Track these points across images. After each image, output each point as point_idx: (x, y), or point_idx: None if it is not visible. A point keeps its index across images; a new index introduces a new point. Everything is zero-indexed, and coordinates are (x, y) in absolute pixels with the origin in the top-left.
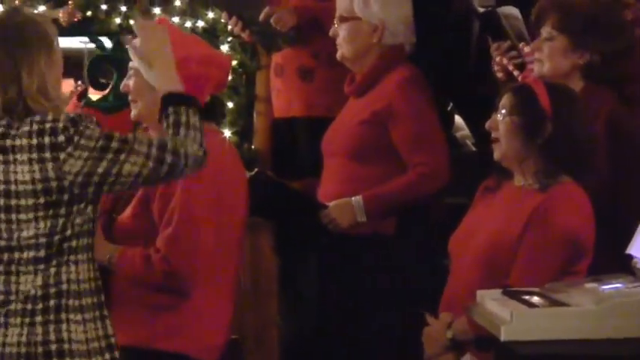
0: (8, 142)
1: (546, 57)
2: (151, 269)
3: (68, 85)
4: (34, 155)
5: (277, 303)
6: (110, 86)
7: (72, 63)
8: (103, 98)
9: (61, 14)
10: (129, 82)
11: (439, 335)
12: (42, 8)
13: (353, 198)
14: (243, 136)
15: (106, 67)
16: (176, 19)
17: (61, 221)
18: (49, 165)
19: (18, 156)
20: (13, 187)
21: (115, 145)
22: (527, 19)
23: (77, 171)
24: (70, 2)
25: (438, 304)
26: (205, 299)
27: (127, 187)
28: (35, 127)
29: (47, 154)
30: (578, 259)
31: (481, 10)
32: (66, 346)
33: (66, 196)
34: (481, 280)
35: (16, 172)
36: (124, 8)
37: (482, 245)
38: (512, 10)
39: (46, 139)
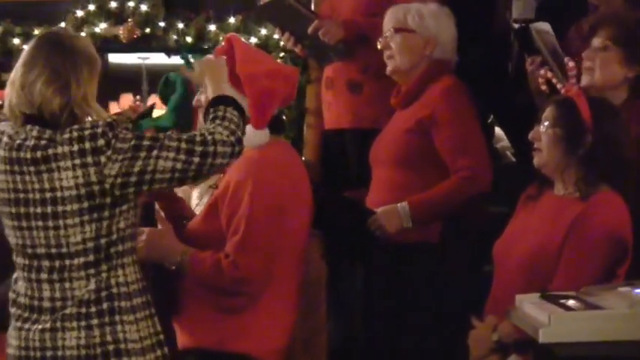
0: (51, 151)
1: (598, 66)
2: (220, 273)
3: (127, 100)
4: (77, 161)
5: (326, 309)
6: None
7: (131, 78)
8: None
9: (121, 31)
10: (201, 97)
11: (485, 338)
12: (103, 25)
13: (399, 204)
14: (293, 147)
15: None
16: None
17: (105, 224)
18: (92, 169)
19: (61, 163)
20: (58, 194)
21: (146, 143)
22: (559, 34)
23: (116, 173)
24: (129, 20)
25: (482, 309)
26: (271, 303)
27: (167, 184)
28: (75, 134)
29: (89, 159)
30: (618, 264)
31: (516, 26)
32: (122, 345)
33: (108, 199)
34: (524, 286)
35: (60, 179)
36: (180, 25)
37: (525, 252)
38: (544, 26)
39: (87, 145)
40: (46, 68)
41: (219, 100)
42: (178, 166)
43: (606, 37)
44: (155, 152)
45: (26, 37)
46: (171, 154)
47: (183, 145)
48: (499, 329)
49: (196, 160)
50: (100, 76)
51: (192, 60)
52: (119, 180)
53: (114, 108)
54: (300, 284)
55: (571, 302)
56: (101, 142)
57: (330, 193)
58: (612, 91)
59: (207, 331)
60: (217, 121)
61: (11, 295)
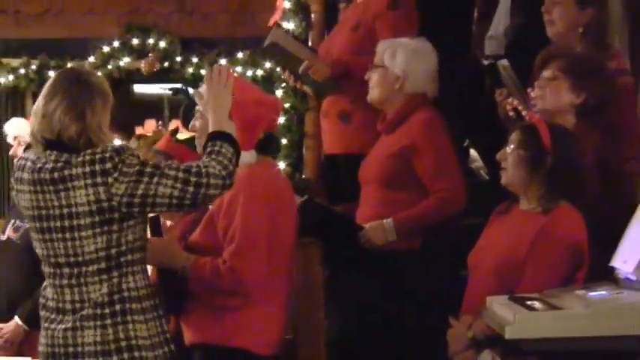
0: (66, 172)
1: (549, 94)
2: (218, 276)
3: (151, 125)
4: (89, 181)
5: (324, 308)
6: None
7: (153, 106)
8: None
9: (142, 65)
10: (195, 123)
11: (461, 335)
12: (127, 60)
13: (385, 220)
14: (295, 167)
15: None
16: (239, 69)
17: (115, 236)
18: (101, 188)
19: (75, 183)
20: (74, 210)
21: (149, 169)
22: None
23: (122, 192)
24: (150, 55)
25: (459, 309)
26: (264, 303)
27: (167, 208)
28: (87, 157)
29: (99, 179)
30: (575, 270)
31: (485, 62)
32: (133, 342)
33: (116, 214)
34: (494, 289)
35: (75, 197)
36: (195, 59)
37: (495, 260)
38: (507, 62)
39: (97, 167)
40: (64, 99)
41: (217, 135)
42: (175, 193)
43: (555, 69)
44: (156, 179)
45: (60, 69)
46: (170, 182)
47: (181, 175)
48: (473, 327)
49: (191, 189)
50: (125, 104)
51: (191, 92)
52: (125, 199)
53: (139, 132)
54: (290, 283)
55: (535, 303)
56: (109, 165)
57: (326, 209)
58: (562, 116)
59: (208, 328)
60: (213, 156)
61: (41, 300)
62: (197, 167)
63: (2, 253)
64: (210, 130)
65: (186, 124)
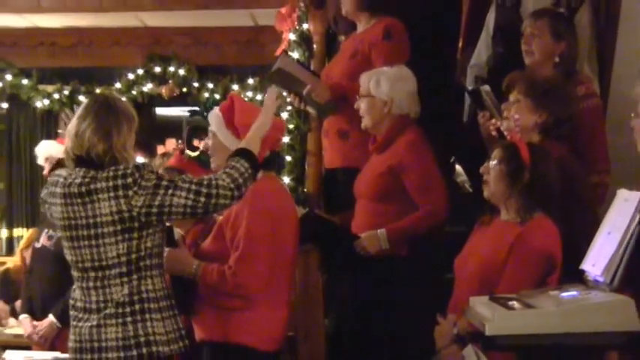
0: (92, 186)
1: (513, 115)
2: (224, 281)
3: (171, 144)
4: (112, 194)
5: (322, 308)
6: (203, 146)
7: (173, 127)
8: (199, 155)
9: (163, 90)
10: (209, 142)
11: (447, 331)
12: (149, 86)
13: (378, 231)
14: (298, 182)
15: (199, 132)
16: (249, 94)
17: (134, 243)
18: (122, 200)
19: (100, 195)
20: (98, 219)
21: (164, 183)
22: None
23: (141, 204)
24: (170, 81)
25: (445, 308)
26: (266, 304)
27: (182, 216)
28: (111, 173)
29: (120, 192)
30: (549, 274)
31: (469, 88)
32: (151, 337)
33: (136, 224)
34: (477, 290)
35: (100, 208)
36: (210, 85)
37: (478, 264)
38: (488, 88)
39: (119, 182)
40: (94, 121)
41: (239, 151)
42: (189, 203)
43: (518, 92)
44: (170, 191)
45: (90, 94)
46: (183, 194)
47: (193, 187)
48: (458, 324)
49: (202, 199)
50: (148, 125)
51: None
52: (143, 210)
53: (160, 150)
54: (291, 286)
55: (512, 303)
56: (130, 180)
57: (325, 219)
58: (527, 134)
59: (214, 327)
60: (227, 170)
61: (70, 301)
62: (208, 180)
63: (38, 259)
64: (240, 146)
65: (189, 145)
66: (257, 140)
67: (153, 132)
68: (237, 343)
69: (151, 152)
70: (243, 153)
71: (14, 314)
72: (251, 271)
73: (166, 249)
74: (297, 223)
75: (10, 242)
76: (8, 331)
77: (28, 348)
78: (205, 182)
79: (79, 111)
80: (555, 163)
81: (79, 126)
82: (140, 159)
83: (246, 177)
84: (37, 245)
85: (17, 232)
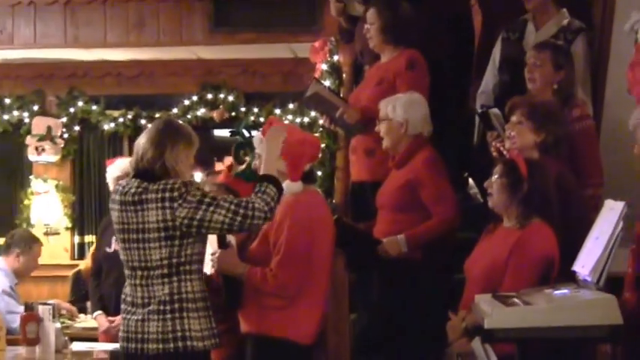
0: (144, 196)
1: (516, 135)
2: (266, 281)
3: (228, 160)
4: (159, 204)
5: (349, 305)
6: (247, 162)
7: (224, 146)
8: (243, 170)
9: (215, 114)
10: (256, 162)
11: (457, 326)
12: (202, 110)
13: (398, 236)
14: (327, 194)
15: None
16: (290, 117)
17: (176, 249)
18: (168, 211)
19: (149, 205)
20: (146, 226)
21: (207, 200)
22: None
23: (184, 216)
24: (221, 106)
25: (456, 305)
26: (304, 302)
27: (219, 231)
28: (161, 186)
29: (167, 204)
30: (549, 273)
31: (479, 110)
32: (187, 333)
33: (178, 232)
34: (483, 289)
35: (148, 216)
36: (256, 110)
37: (484, 266)
38: (497, 111)
39: (167, 194)
40: (154, 139)
41: (265, 178)
42: (226, 220)
43: (520, 114)
44: (212, 208)
45: (150, 119)
46: (223, 212)
47: (232, 207)
48: (467, 320)
49: (239, 219)
50: (207, 145)
51: (246, 133)
52: (185, 221)
53: (219, 166)
54: (327, 288)
55: (512, 300)
56: (176, 194)
57: (351, 226)
58: (527, 152)
59: (257, 322)
60: (259, 194)
61: (122, 297)
62: (246, 202)
63: (111, 262)
64: (261, 172)
65: (236, 160)
66: (274, 170)
67: (211, 151)
68: (277, 336)
69: (209, 168)
70: (269, 179)
71: (84, 311)
72: (290, 273)
73: (218, 250)
74: (332, 232)
75: (82, 247)
76: (78, 325)
77: (94, 340)
78: (243, 204)
79: (146, 130)
80: (553, 177)
81: (140, 140)
82: (198, 174)
83: (275, 200)
84: (109, 250)
85: (87, 238)
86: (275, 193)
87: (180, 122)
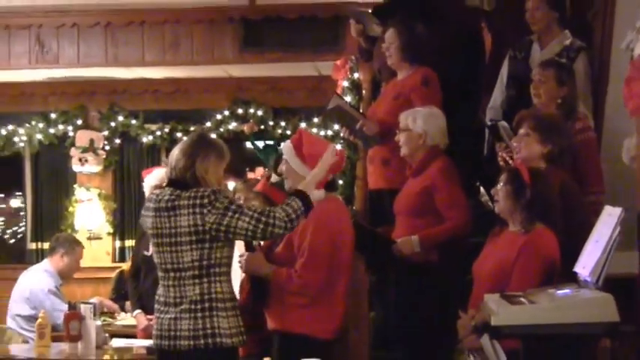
0: (176, 202)
1: (523, 146)
2: (291, 282)
3: (259, 171)
4: (190, 210)
5: (368, 302)
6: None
7: (255, 157)
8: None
9: (245, 128)
10: (282, 167)
11: (467, 324)
12: (233, 124)
13: (412, 237)
14: (348, 201)
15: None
16: (314, 129)
17: (206, 252)
18: (198, 216)
19: (182, 211)
20: (178, 230)
21: (233, 207)
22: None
23: (212, 221)
24: (250, 120)
25: (466, 304)
26: (325, 301)
27: (244, 237)
28: (192, 194)
29: (197, 210)
30: (549, 275)
31: (489, 123)
32: (217, 330)
33: (207, 236)
34: (491, 289)
35: (180, 220)
36: (283, 123)
37: (491, 268)
38: (505, 124)
39: (197, 201)
40: (186, 151)
41: (296, 192)
42: (250, 227)
43: (527, 127)
44: (237, 215)
45: (185, 132)
46: (247, 219)
47: (256, 215)
48: (476, 318)
49: (261, 226)
50: (239, 156)
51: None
52: (214, 226)
53: (250, 175)
54: (347, 287)
55: (519, 299)
56: (206, 200)
57: (369, 230)
58: (534, 162)
59: (283, 319)
60: (284, 206)
61: (156, 297)
62: (268, 212)
63: (149, 265)
64: (299, 187)
65: (276, 172)
66: (313, 184)
67: (242, 161)
68: (301, 332)
69: (241, 178)
70: (300, 195)
71: (124, 309)
72: (313, 274)
73: (246, 253)
74: (352, 236)
75: (122, 251)
76: (118, 322)
77: (133, 337)
78: (266, 213)
79: (180, 143)
80: (558, 185)
81: (174, 151)
82: (232, 184)
83: (298, 214)
84: (147, 253)
85: (127, 243)
86: (299, 207)
87: (213, 137)
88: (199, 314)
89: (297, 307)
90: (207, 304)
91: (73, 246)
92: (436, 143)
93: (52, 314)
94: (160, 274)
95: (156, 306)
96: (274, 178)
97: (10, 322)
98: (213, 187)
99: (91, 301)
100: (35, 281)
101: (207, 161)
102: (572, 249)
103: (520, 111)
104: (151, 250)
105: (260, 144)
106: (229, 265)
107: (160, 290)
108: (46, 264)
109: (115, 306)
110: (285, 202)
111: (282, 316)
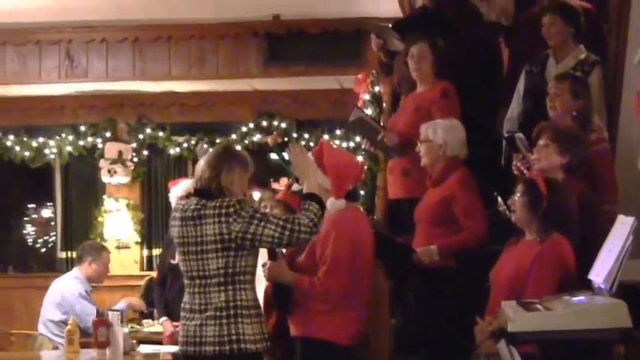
0: (202, 212)
1: (543, 157)
2: (313, 289)
3: (283, 181)
4: (216, 219)
5: (389, 309)
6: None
7: (279, 168)
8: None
9: (269, 140)
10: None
11: (484, 329)
12: (258, 136)
13: (431, 246)
14: (369, 211)
15: None
16: (337, 141)
17: (231, 260)
18: (224, 225)
19: (207, 220)
20: (205, 239)
21: (258, 215)
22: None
23: (238, 230)
24: (274, 132)
25: (484, 310)
26: (347, 307)
27: (270, 245)
28: (217, 204)
29: (223, 219)
30: (564, 284)
31: (506, 135)
32: (241, 337)
33: (233, 245)
34: (508, 296)
35: (206, 229)
36: (306, 135)
37: (508, 276)
38: (521, 135)
39: (223, 210)
40: (212, 162)
41: (309, 196)
42: (276, 235)
43: (547, 138)
44: (262, 223)
45: (211, 144)
46: (272, 227)
47: (280, 223)
48: (493, 324)
49: (287, 233)
50: (264, 167)
51: (286, 157)
52: (240, 234)
53: (275, 185)
54: (367, 294)
55: (535, 306)
56: (231, 209)
57: (390, 239)
58: (553, 173)
59: (306, 325)
60: (304, 212)
61: (182, 305)
62: (292, 218)
63: (175, 273)
64: (305, 191)
65: (298, 182)
66: (317, 182)
67: (266, 172)
68: (323, 338)
69: (265, 188)
70: (312, 197)
71: (152, 316)
72: (335, 282)
73: (269, 262)
74: (373, 244)
75: (150, 260)
76: (146, 329)
77: (160, 343)
78: (290, 220)
79: (206, 154)
80: (576, 195)
81: (200, 162)
82: (256, 194)
83: (319, 216)
84: (174, 262)
85: (155, 251)
86: (318, 210)
87: (238, 149)
88: (224, 321)
89: (320, 314)
90: (232, 311)
91: (100, 252)
92: (456, 154)
93: (82, 318)
94: (186, 281)
95: (182, 313)
96: (296, 186)
97: (41, 328)
98: (238, 197)
99: (118, 306)
100: (66, 287)
101: (232, 173)
102: (591, 257)
103: (540, 123)
104: (177, 258)
105: (285, 155)
106: (253, 273)
107: (186, 297)
108: (76, 271)
109: (143, 304)
110: (304, 207)
111: (305, 322)
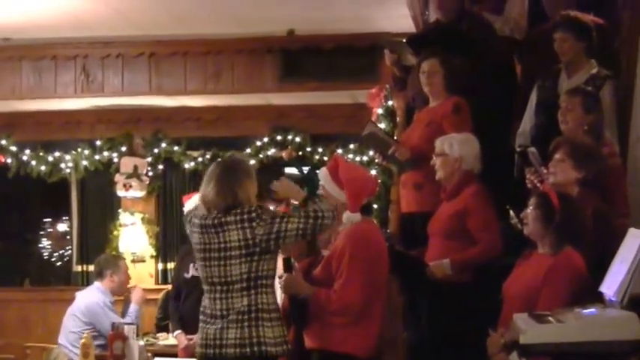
0: (223, 219)
1: (558, 171)
2: (330, 302)
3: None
4: (239, 225)
5: (402, 322)
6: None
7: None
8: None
9: (284, 154)
10: (320, 192)
11: (497, 342)
12: (273, 150)
13: (444, 260)
14: (382, 224)
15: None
16: (351, 155)
17: (254, 265)
18: (247, 230)
19: (230, 226)
20: (228, 245)
21: (278, 217)
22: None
23: (262, 233)
24: (289, 147)
25: (496, 323)
26: (362, 320)
27: (295, 239)
28: (239, 211)
29: (246, 224)
30: (576, 296)
31: (518, 149)
32: (262, 339)
33: (257, 249)
34: (520, 308)
35: (230, 236)
36: (320, 149)
37: (521, 289)
38: (534, 149)
39: (245, 216)
40: (217, 184)
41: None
42: (300, 226)
43: (563, 153)
44: (285, 219)
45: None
46: (295, 220)
47: (302, 214)
48: (505, 336)
49: (311, 221)
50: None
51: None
52: (264, 237)
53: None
54: (382, 307)
55: (547, 318)
56: (254, 215)
57: (403, 253)
58: (568, 187)
59: (321, 338)
60: (317, 202)
61: (201, 309)
62: (311, 208)
63: (190, 286)
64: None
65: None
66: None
67: None
68: (339, 351)
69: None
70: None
71: (167, 329)
72: (351, 295)
73: (284, 274)
74: (387, 258)
75: (165, 273)
76: (161, 342)
77: (174, 356)
78: (310, 209)
79: (205, 177)
80: (591, 210)
81: (204, 190)
82: (272, 207)
83: (330, 207)
84: (187, 276)
85: (170, 265)
86: (326, 200)
87: (233, 157)
88: (246, 324)
89: (336, 327)
90: (253, 314)
91: (117, 263)
92: (470, 168)
93: (108, 328)
94: (206, 287)
95: (201, 317)
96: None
97: (61, 339)
98: (257, 204)
99: (131, 310)
100: (90, 298)
101: (244, 187)
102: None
103: (552, 137)
104: (191, 272)
105: (305, 169)
106: (274, 276)
107: (206, 302)
108: (98, 284)
109: (143, 292)
110: (312, 201)
111: (322, 335)
